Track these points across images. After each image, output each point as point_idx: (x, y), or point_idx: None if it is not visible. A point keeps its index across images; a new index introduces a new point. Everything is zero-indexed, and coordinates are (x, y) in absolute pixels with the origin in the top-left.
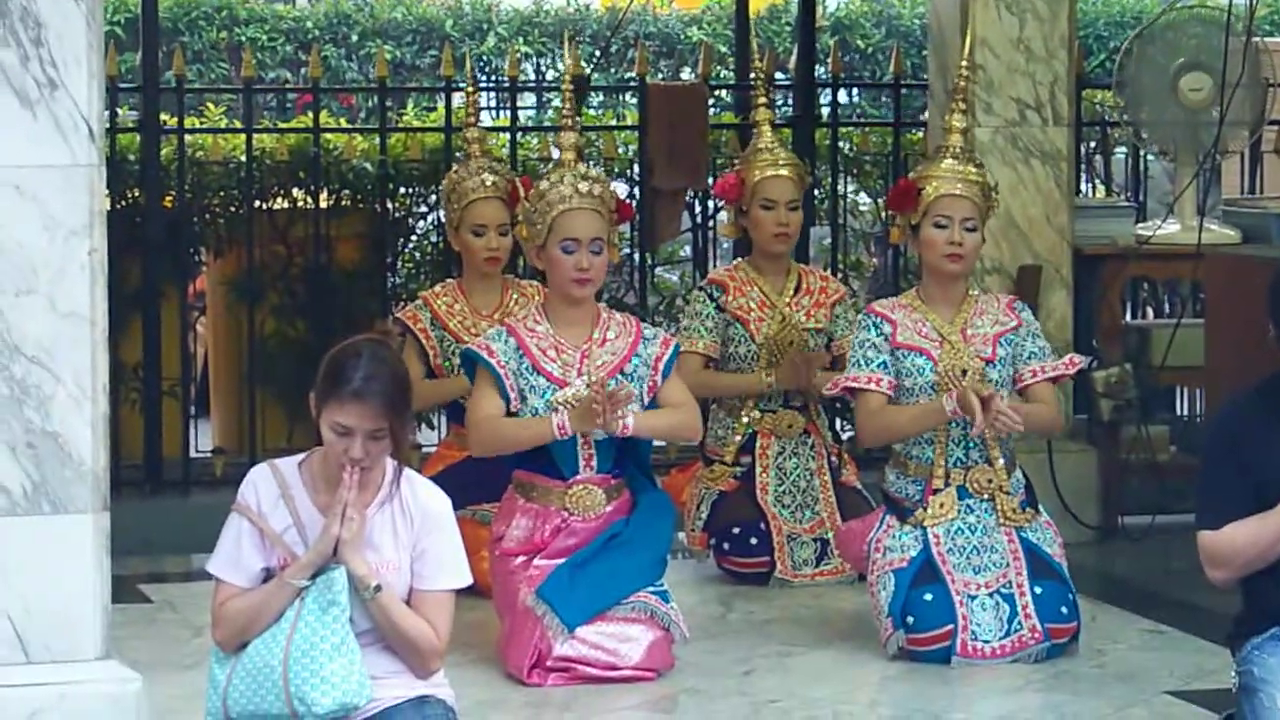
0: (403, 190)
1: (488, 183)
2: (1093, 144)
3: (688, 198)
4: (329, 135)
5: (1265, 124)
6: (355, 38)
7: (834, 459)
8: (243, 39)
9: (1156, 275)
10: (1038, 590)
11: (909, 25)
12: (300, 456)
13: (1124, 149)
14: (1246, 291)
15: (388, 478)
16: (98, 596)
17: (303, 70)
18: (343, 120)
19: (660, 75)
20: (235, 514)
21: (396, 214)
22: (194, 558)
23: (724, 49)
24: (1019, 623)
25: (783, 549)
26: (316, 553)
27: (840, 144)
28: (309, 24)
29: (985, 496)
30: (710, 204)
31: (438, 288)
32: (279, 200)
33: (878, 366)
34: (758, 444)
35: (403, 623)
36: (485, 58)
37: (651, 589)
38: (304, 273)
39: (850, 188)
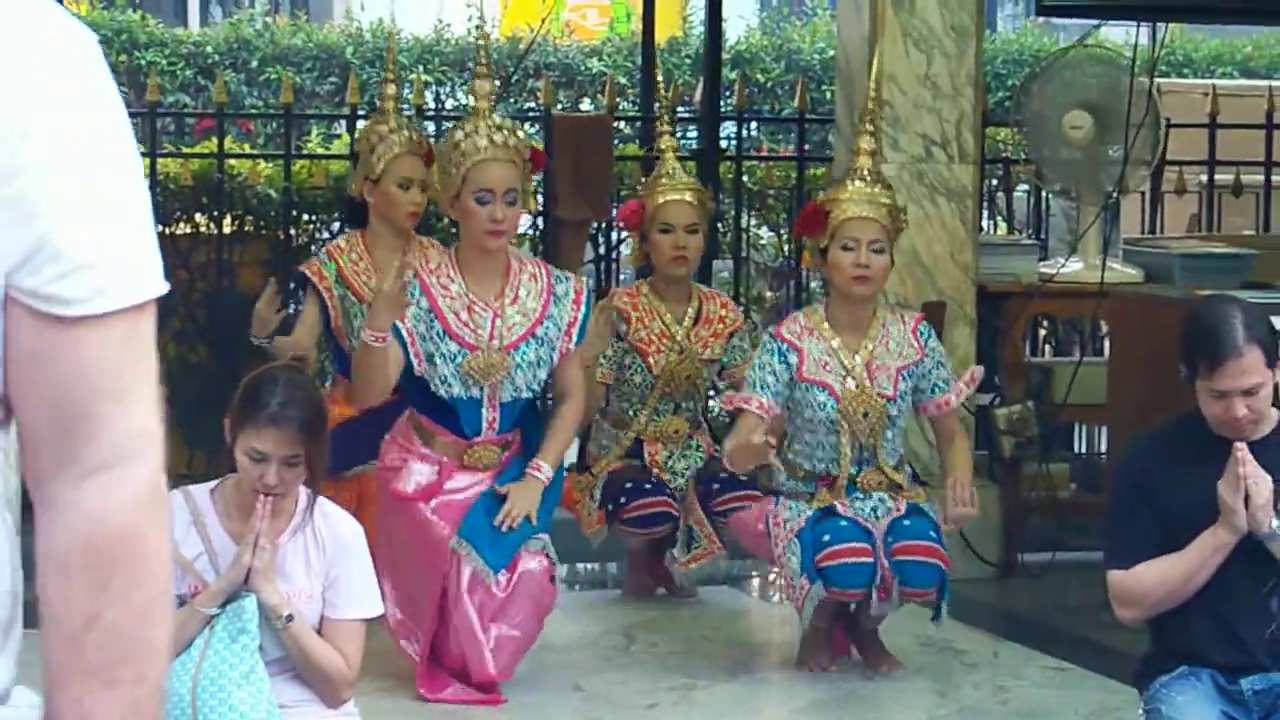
0: (306, 217)
1: (411, 138)
2: (994, 181)
3: (591, 229)
4: (233, 161)
5: (1164, 164)
6: (255, 63)
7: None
8: (143, 62)
9: (1059, 313)
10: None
11: (809, 60)
12: (213, 483)
13: (1025, 187)
14: (1150, 330)
15: (301, 505)
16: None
17: (201, 95)
18: (247, 146)
19: (560, 106)
20: None
21: (299, 240)
22: None
23: (624, 80)
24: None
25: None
26: (228, 581)
27: (744, 177)
28: (209, 49)
29: (875, 491)
30: (614, 235)
31: (341, 240)
32: (181, 225)
33: (772, 395)
34: (645, 450)
35: (314, 652)
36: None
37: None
38: (205, 298)
39: (753, 221)
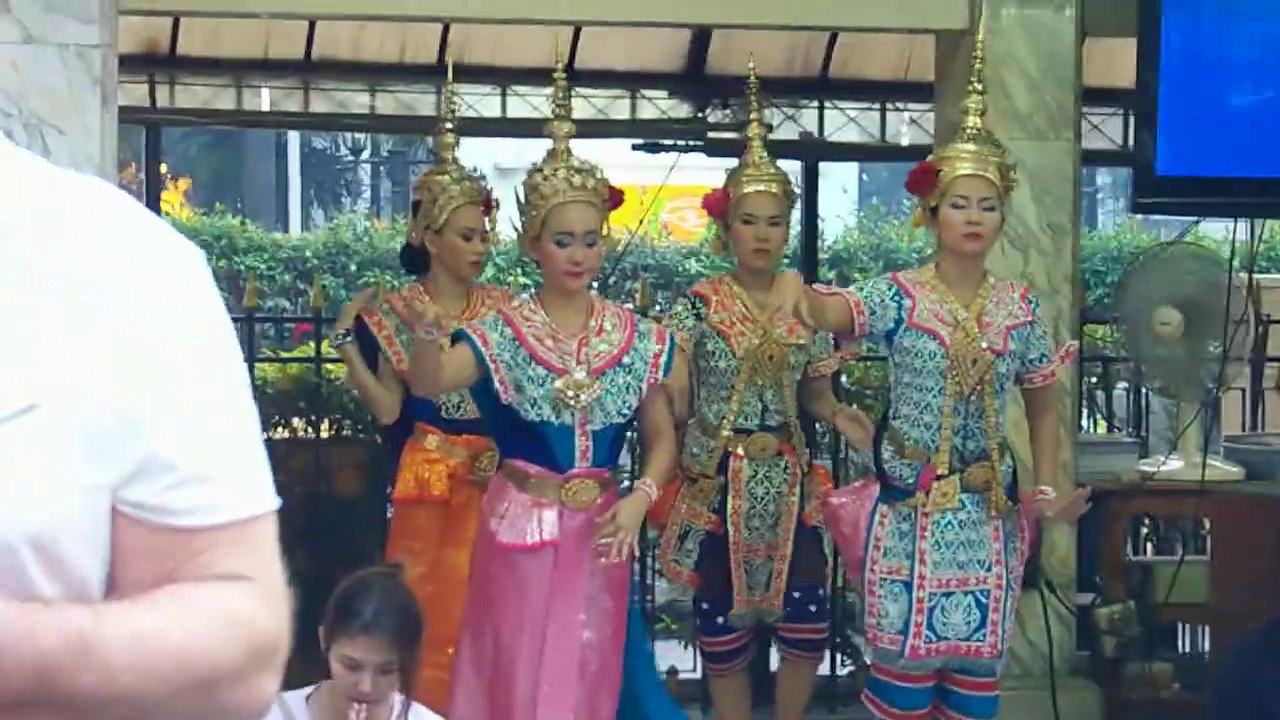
0: None
1: (472, 188)
2: (1094, 379)
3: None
4: (330, 365)
5: (1265, 361)
6: (354, 267)
7: (803, 488)
8: (242, 267)
9: (1159, 511)
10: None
11: (906, 258)
12: (308, 690)
13: (1125, 384)
14: (1252, 529)
15: (395, 712)
16: None
17: (300, 299)
18: None
19: (658, 307)
20: None
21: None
22: None
23: None
24: (983, 634)
25: (739, 585)
26: None
27: (841, 377)
28: (308, 253)
29: (979, 491)
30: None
31: (403, 291)
32: (279, 430)
33: (869, 309)
34: (730, 466)
35: None
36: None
37: None
38: (303, 502)
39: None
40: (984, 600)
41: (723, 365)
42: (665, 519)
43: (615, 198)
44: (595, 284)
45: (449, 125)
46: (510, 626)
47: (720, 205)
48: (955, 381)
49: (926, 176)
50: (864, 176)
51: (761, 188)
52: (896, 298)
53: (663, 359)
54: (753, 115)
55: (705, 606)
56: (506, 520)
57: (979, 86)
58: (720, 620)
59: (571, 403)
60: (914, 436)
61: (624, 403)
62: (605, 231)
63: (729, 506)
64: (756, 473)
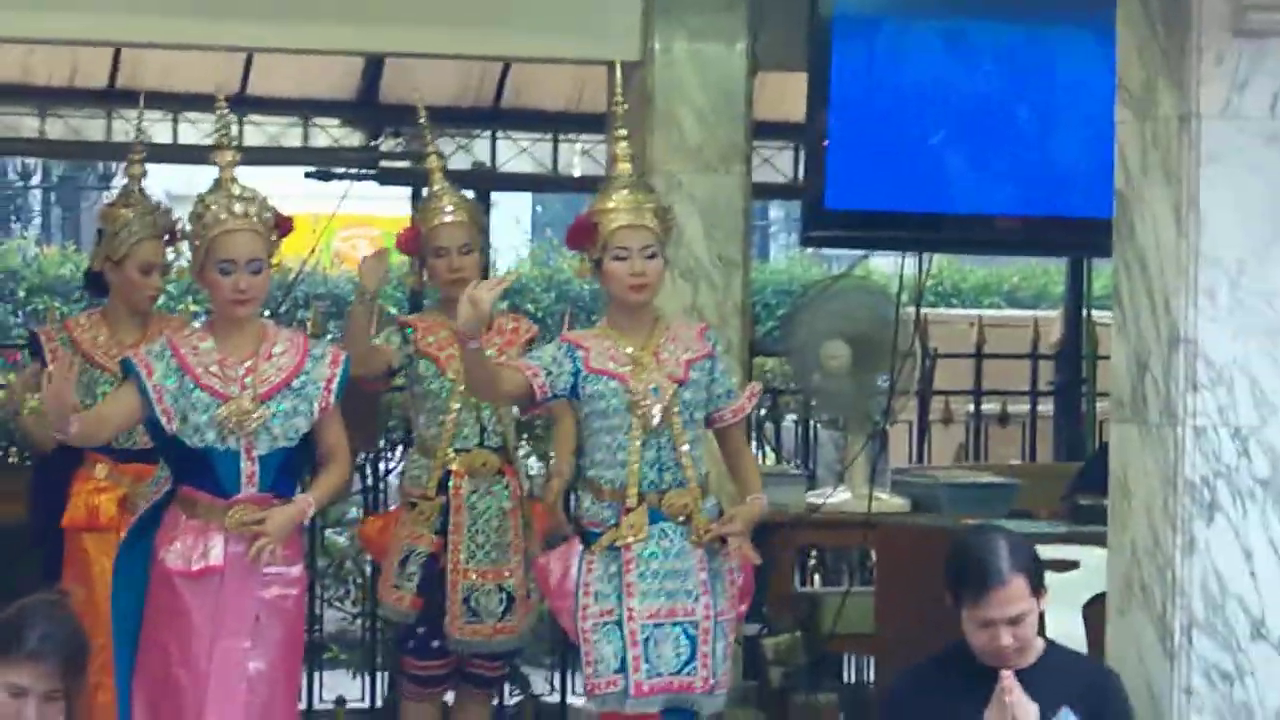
0: None
1: (155, 222)
2: (762, 411)
3: (359, 460)
4: None
5: (931, 394)
6: (23, 293)
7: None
8: None
9: (827, 543)
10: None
11: (578, 289)
12: None
13: (794, 416)
14: (916, 560)
15: None
16: None
17: None
18: (13, 375)
19: (330, 335)
20: None
21: None
22: None
23: (394, 309)
24: (693, 667)
25: (455, 609)
26: None
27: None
28: None
29: (680, 519)
30: (381, 466)
31: (80, 317)
32: None
33: (546, 375)
34: (451, 483)
35: None
36: None
37: None
38: None
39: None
40: (692, 632)
41: (435, 387)
42: (386, 551)
43: (284, 225)
44: (266, 311)
45: (138, 155)
46: (177, 651)
47: (413, 242)
48: (640, 417)
49: (585, 230)
50: (538, 208)
51: (450, 219)
52: (569, 353)
53: (335, 382)
54: (429, 147)
55: (421, 630)
56: (176, 546)
57: (623, 132)
58: (435, 644)
59: (235, 429)
60: (608, 478)
61: (291, 426)
62: (274, 259)
63: (449, 524)
64: (477, 488)
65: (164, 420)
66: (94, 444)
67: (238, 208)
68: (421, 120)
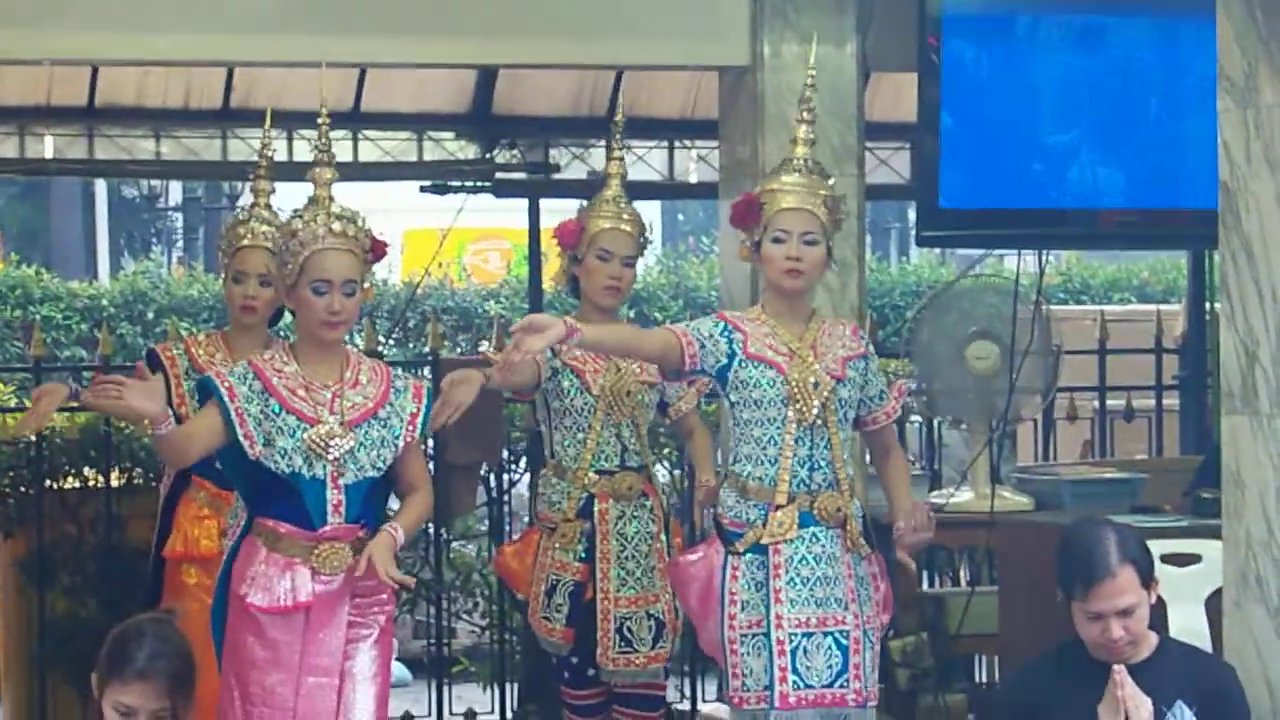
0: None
1: (257, 231)
2: None
3: (482, 471)
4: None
5: (1056, 391)
6: (151, 315)
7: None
8: (36, 316)
9: (951, 543)
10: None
11: (706, 296)
12: None
13: (918, 417)
14: (1038, 558)
15: None
16: None
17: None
18: None
19: (458, 349)
20: None
21: None
22: None
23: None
24: (846, 679)
25: (608, 640)
26: None
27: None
28: (104, 302)
29: (832, 524)
30: (506, 478)
31: (200, 336)
32: (69, 479)
33: (699, 343)
34: (595, 508)
35: None
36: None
37: None
38: (94, 552)
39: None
40: (844, 642)
41: (579, 403)
42: (526, 582)
43: (378, 249)
44: (396, 327)
45: (263, 171)
46: (261, 691)
47: (573, 237)
48: (798, 410)
49: (750, 209)
50: (680, 215)
51: (626, 228)
52: (726, 333)
53: (420, 418)
54: (615, 154)
55: (575, 660)
56: (257, 582)
57: (808, 116)
58: (591, 673)
59: (324, 453)
60: (757, 475)
61: (378, 456)
62: (366, 283)
63: (596, 551)
64: (623, 512)
65: (246, 445)
66: (185, 461)
67: (336, 226)
68: (615, 128)
